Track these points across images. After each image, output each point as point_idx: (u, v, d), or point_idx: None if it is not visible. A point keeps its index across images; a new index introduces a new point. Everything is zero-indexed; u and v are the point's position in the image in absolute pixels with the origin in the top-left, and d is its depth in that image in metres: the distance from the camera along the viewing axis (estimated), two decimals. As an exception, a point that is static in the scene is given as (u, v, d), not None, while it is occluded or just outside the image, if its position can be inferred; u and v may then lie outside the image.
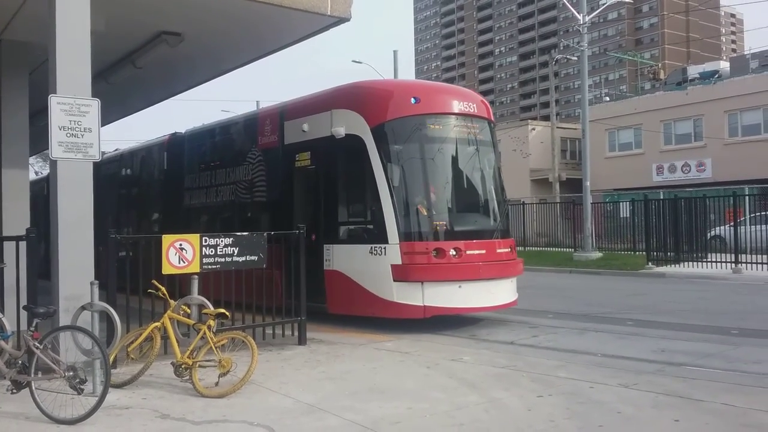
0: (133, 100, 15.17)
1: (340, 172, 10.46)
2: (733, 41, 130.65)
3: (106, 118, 15.07)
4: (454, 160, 10.21)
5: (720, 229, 20.46)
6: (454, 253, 9.42)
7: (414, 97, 9.99)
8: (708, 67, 40.20)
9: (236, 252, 7.78)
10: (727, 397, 5.77)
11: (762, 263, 17.51)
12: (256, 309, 8.68)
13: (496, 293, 9.82)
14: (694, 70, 39.84)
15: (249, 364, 6.21)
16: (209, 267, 7.59)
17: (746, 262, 17.90)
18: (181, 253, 7.34)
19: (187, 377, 6.36)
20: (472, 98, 10.69)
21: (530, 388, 6.28)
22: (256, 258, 7.94)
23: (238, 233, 8.07)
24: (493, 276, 9.73)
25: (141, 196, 16.47)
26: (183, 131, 15.06)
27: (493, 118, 11.10)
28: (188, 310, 7.01)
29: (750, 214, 20.13)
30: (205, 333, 6.36)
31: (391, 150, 9.74)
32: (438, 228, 9.69)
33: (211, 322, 6.47)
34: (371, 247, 9.58)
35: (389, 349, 8.32)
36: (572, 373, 6.87)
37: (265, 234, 8.26)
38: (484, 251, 9.76)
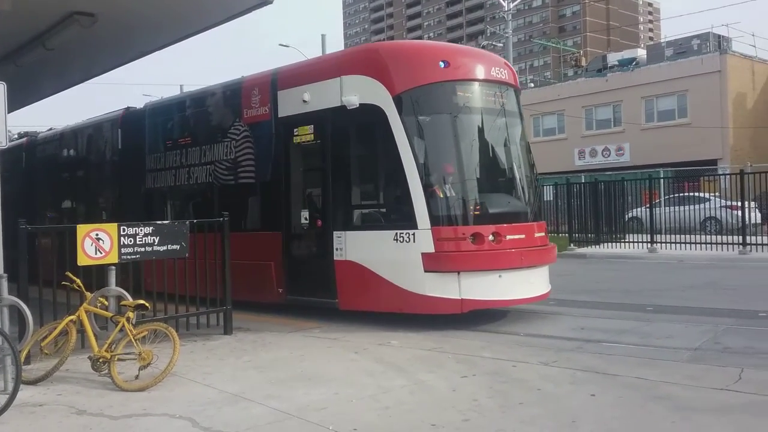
0: (45, 83, 14.40)
1: (354, 147, 9.12)
2: (651, 29, 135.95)
3: (17, 102, 14.33)
4: (488, 133, 9.01)
5: (637, 211, 21.34)
6: (493, 238, 8.32)
7: (443, 61, 8.71)
8: (626, 54, 41.66)
9: (157, 241, 7.55)
10: (640, 371, 6.04)
11: (675, 243, 18.41)
12: (189, 300, 8.45)
13: (534, 282, 8.84)
14: (613, 58, 41.22)
15: (171, 356, 6.06)
16: (128, 257, 7.34)
17: (661, 242, 18.77)
18: (98, 243, 7.07)
19: (106, 371, 6.16)
20: (501, 63, 9.47)
21: (455, 369, 6.39)
22: (179, 247, 7.73)
23: (159, 222, 7.83)
24: (533, 263, 8.73)
25: (87, 180, 14.69)
26: (143, 105, 13.23)
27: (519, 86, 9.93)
28: (106, 303, 6.78)
29: (665, 196, 21.12)
30: (123, 325, 6.16)
31: (418, 121, 8.51)
32: (474, 210, 8.53)
33: (130, 314, 6.28)
34: (396, 234, 8.36)
35: (317, 336, 8.30)
36: (496, 353, 7.03)
37: (187, 222, 8.04)
38: (523, 236, 8.72)
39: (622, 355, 6.79)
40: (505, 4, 27.74)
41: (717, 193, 20.40)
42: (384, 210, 8.87)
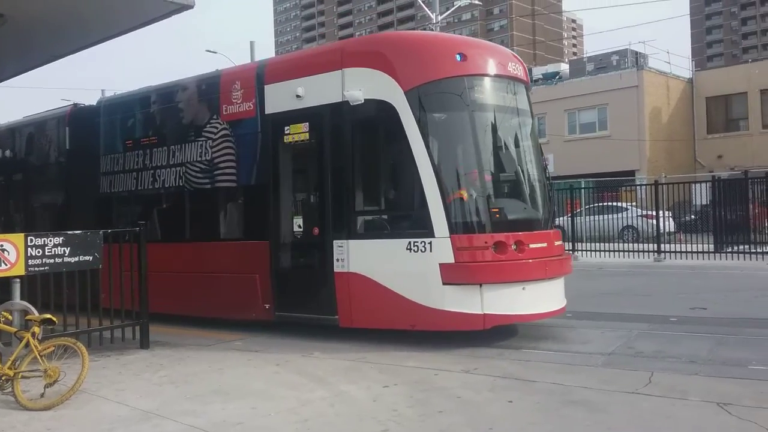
0: (-50, 85, 13.57)
1: (358, 147, 8.18)
2: (574, 45, 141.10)
3: None
4: (506, 133, 8.36)
5: (560, 220, 21.98)
6: (515, 247, 7.64)
7: (459, 53, 7.98)
8: (550, 68, 43.01)
9: (68, 252, 7.23)
10: (557, 377, 6.18)
11: (595, 250, 19.06)
12: (103, 313, 8.06)
13: (555, 295, 8.16)
14: (538, 71, 42.44)
15: (79, 372, 5.77)
16: (36, 269, 7.00)
17: (581, 250, 19.40)
18: (2, 254, 6.69)
19: (9, 390, 5.83)
20: (514, 57, 8.82)
21: (377, 379, 6.36)
22: (91, 258, 7.41)
23: (70, 232, 7.48)
24: (555, 274, 8.08)
25: (25, 184, 13.20)
26: (96, 101, 11.93)
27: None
28: (9, 317, 6.41)
29: (585, 205, 21.86)
30: (28, 341, 5.84)
31: (433, 119, 7.85)
32: (496, 216, 7.82)
33: (36, 329, 5.95)
34: (410, 242, 7.55)
35: (238, 349, 8.11)
36: (419, 361, 7.04)
37: (101, 232, 7.72)
38: (545, 244, 8.07)
39: (540, 361, 6.93)
40: (433, 16, 28.16)
41: (634, 203, 21.28)
42: (395, 216, 8.04)
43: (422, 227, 7.53)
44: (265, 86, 8.99)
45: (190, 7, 8.81)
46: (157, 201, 10.61)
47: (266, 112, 8.94)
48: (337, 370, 6.80)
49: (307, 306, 8.42)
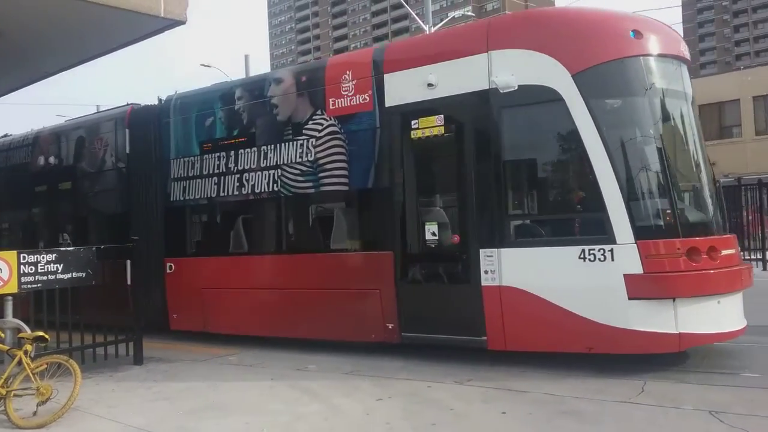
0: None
1: (511, 140, 7.16)
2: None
3: None
4: (684, 122, 7.35)
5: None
6: (708, 254, 6.57)
7: (633, 30, 6.95)
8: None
9: (61, 269, 7.24)
10: (549, 387, 6.18)
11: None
12: (96, 330, 8.05)
13: (740, 309, 7.01)
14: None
15: (71, 390, 5.77)
16: (29, 286, 7.01)
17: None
18: (-5, 272, 6.68)
19: (2, 408, 5.82)
20: (679, 35, 7.79)
21: (371, 392, 6.36)
22: (84, 275, 7.42)
23: (63, 248, 7.51)
24: (746, 285, 6.96)
25: (75, 193, 11.78)
26: (164, 99, 10.57)
27: None
28: (2, 335, 6.42)
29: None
30: (21, 359, 5.84)
31: (607, 106, 6.89)
32: (685, 218, 6.80)
33: (28, 347, 5.96)
34: (583, 250, 6.52)
35: (233, 363, 8.11)
36: (412, 373, 7.05)
37: (93, 248, 7.74)
38: (733, 250, 7.02)
39: (532, 371, 6.91)
40: (426, 28, 28.35)
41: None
42: (562, 220, 7.05)
43: (599, 232, 6.50)
44: (385, 75, 7.93)
45: (182, 22, 8.86)
46: (244, 208, 9.38)
47: (387, 105, 7.87)
48: (331, 383, 6.81)
49: (443, 326, 7.33)
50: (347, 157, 8.18)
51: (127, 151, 10.61)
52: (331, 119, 8.32)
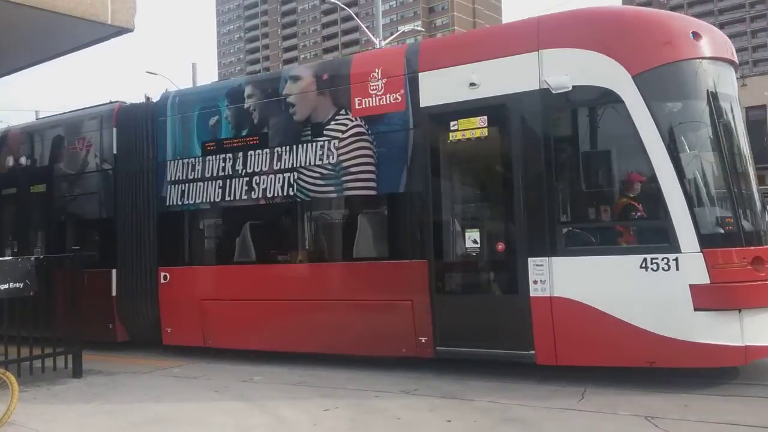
0: None
1: (563, 144, 6.88)
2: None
3: None
4: (739, 125, 7.11)
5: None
6: None
7: (692, 32, 6.71)
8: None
9: (-4, 279, 6.98)
10: (494, 396, 6.30)
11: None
12: (33, 342, 7.74)
13: None
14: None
15: (8, 404, 5.58)
16: (-38, 297, 6.72)
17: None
18: (-73, 282, 6.39)
19: (-68, 425, 5.56)
20: (729, 40, 7.51)
21: (319, 402, 6.34)
22: (22, 285, 7.18)
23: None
24: None
25: (51, 197, 10.75)
26: (159, 96, 9.96)
27: None
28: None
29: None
30: (-47, 373, 5.61)
31: (669, 110, 6.62)
32: (747, 226, 6.50)
33: (-38, 360, 5.72)
34: (645, 259, 6.22)
35: (176, 375, 7.96)
36: (359, 383, 7.07)
37: (33, 258, 7.51)
38: None
39: (477, 380, 6.99)
40: (377, 41, 28.59)
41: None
42: (620, 227, 6.71)
43: (662, 240, 6.22)
44: (420, 74, 7.53)
45: (129, 30, 8.70)
46: (253, 213, 8.79)
47: (422, 105, 7.47)
48: (278, 394, 6.77)
49: (485, 340, 6.93)
50: (375, 160, 7.72)
51: (114, 152, 9.87)
52: (356, 119, 7.86)
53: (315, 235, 8.58)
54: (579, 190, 6.76)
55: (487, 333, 6.92)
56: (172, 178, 9.25)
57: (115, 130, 9.92)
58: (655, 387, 6.29)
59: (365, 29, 31.08)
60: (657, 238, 6.30)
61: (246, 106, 8.76)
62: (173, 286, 9.12)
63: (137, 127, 9.70)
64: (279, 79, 8.73)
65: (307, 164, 8.16)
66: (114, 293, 9.27)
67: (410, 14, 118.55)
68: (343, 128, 7.93)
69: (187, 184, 9.14)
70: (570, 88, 6.63)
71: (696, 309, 6.07)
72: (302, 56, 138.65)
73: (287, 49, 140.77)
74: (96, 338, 9.12)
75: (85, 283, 8.21)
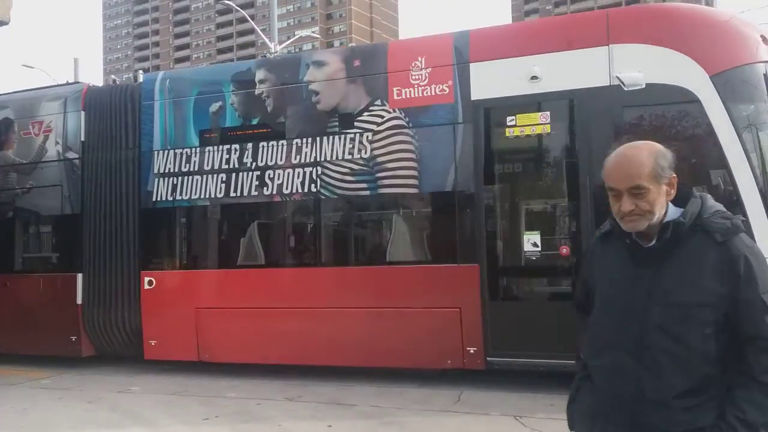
0: None
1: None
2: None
3: None
4: None
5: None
6: None
7: (761, 35, 6.61)
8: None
9: None
10: (376, 400, 6.44)
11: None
12: None
13: None
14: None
15: None
16: None
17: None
18: None
19: None
20: None
21: (197, 411, 6.25)
22: None
23: None
24: None
25: None
26: (142, 78, 8.91)
27: None
28: None
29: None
30: None
31: (743, 112, 6.39)
32: None
33: None
34: None
35: (47, 387, 7.56)
36: (242, 392, 7.01)
37: None
38: None
39: (360, 386, 7.09)
40: (272, 45, 28.35)
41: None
42: None
43: None
44: (471, 64, 7.02)
45: (5, 23, 8.27)
46: (265, 211, 8.05)
47: (473, 98, 6.95)
48: (156, 404, 6.59)
49: (541, 349, 6.46)
50: (416, 155, 7.11)
51: (82, 138, 8.60)
52: (395, 111, 7.22)
53: (342, 236, 7.91)
54: None
55: (543, 342, 6.40)
56: (161, 170, 8.15)
57: (83, 113, 8.66)
58: (524, 389, 6.63)
59: (260, 32, 30.74)
60: None
61: (258, 92, 7.86)
62: (160, 293, 8.02)
63: (114, 111, 8.52)
64: (299, 63, 7.89)
65: (334, 158, 7.42)
66: (79, 301, 8.31)
67: (308, 19, 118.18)
68: (379, 120, 7.28)
69: (180, 178, 8.07)
70: (643, 86, 6.34)
71: None
72: (195, 56, 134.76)
73: (179, 48, 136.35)
74: (55, 352, 8.42)
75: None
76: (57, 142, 8.76)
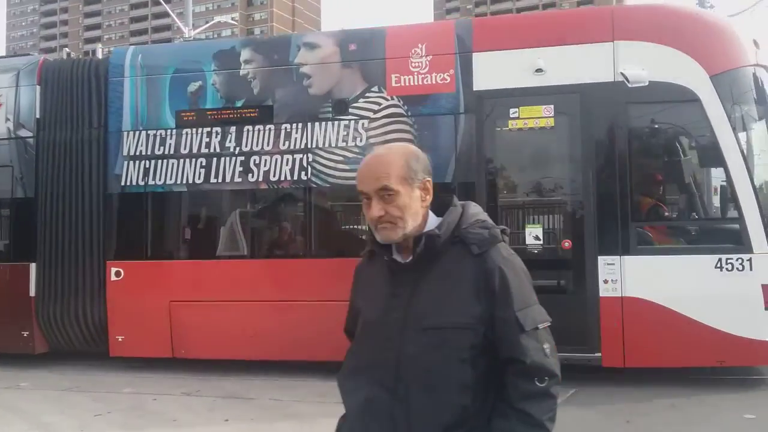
0: None
1: (637, 139, 6.70)
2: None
3: None
4: None
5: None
6: None
7: (753, 39, 6.87)
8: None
9: None
10: (276, 393, 6.44)
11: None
12: None
13: None
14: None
15: None
16: None
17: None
18: None
19: None
20: None
21: (89, 407, 6.11)
22: None
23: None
24: None
25: None
26: (112, 52, 8.27)
27: None
28: None
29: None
30: None
31: (739, 112, 6.55)
32: None
33: None
34: (720, 259, 6.18)
35: None
36: (138, 387, 6.84)
37: None
38: None
39: (262, 380, 7.01)
40: (186, 31, 27.53)
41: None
42: (693, 228, 6.74)
43: (736, 240, 6.27)
44: (474, 54, 6.91)
45: None
46: (248, 199, 7.69)
47: (475, 88, 6.86)
48: (45, 400, 6.40)
49: (564, 341, 6.41)
50: (415, 144, 6.74)
51: (37, 116, 7.90)
52: (392, 98, 7.04)
53: (333, 225, 7.78)
54: (652, 188, 6.81)
55: (567, 334, 6.32)
56: (131, 153, 7.57)
57: (38, 88, 7.94)
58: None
59: (174, 17, 29.82)
60: (731, 238, 6.33)
61: (242, 72, 7.49)
62: (129, 285, 7.45)
63: (75, 86, 7.84)
64: (288, 44, 7.62)
65: (326, 145, 7.17)
66: (32, 293, 7.65)
67: (227, 5, 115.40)
68: (376, 107, 7.08)
69: (153, 161, 7.52)
70: (646, 83, 6.46)
71: (766, 308, 6.14)
72: (106, 37, 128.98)
73: (89, 28, 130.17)
74: (3, 349, 7.74)
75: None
76: (8, 119, 7.99)
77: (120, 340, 7.45)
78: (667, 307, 6.27)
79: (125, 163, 7.57)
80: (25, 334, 7.67)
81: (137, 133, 7.59)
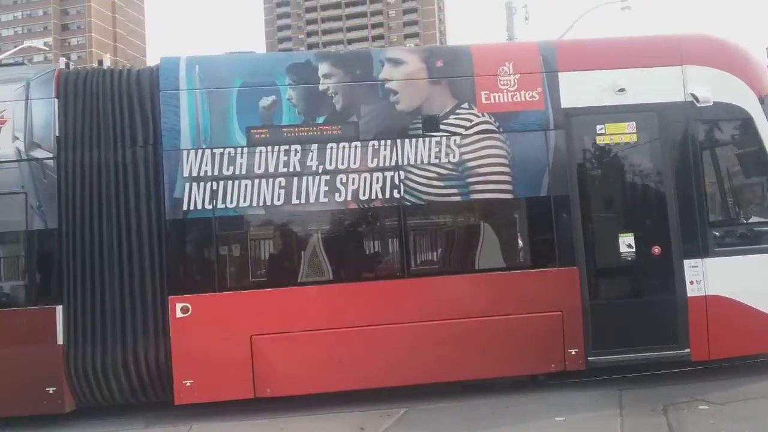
0: None
1: (706, 152, 7.36)
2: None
3: None
4: None
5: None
6: None
7: None
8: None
9: None
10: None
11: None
12: None
13: None
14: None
15: None
16: None
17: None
18: None
19: None
20: None
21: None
22: None
23: None
24: None
25: None
26: (160, 61, 7.23)
27: None
28: None
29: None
30: None
31: None
32: None
33: None
34: None
35: None
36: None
37: None
38: None
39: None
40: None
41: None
42: (763, 229, 7.42)
43: None
44: (560, 73, 7.32)
45: None
46: (335, 219, 7.23)
47: (563, 105, 7.24)
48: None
49: (639, 344, 7.07)
50: (509, 161, 7.17)
51: (56, 133, 6.91)
52: (483, 115, 7.20)
53: (430, 244, 7.64)
54: (723, 195, 7.47)
55: (641, 338, 7.09)
56: (194, 174, 6.88)
57: (56, 101, 6.98)
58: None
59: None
60: None
61: (322, 87, 7.21)
62: (199, 322, 6.70)
63: (108, 100, 7.03)
64: (370, 59, 7.43)
65: (419, 162, 7.12)
66: (60, 341, 6.63)
67: (39, 29, 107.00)
68: (467, 123, 7.20)
69: (222, 182, 6.90)
70: (711, 103, 7.23)
71: None
72: None
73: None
74: (24, 411, 6.67)
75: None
76: (16, 137, 6.94)
77: (188, 385, 6.68)
78: (743, 302, 7.09)
79: (186, 185, 6.88)
80: (51, 390, 6.58)
81: (200, 151, 6.94)
